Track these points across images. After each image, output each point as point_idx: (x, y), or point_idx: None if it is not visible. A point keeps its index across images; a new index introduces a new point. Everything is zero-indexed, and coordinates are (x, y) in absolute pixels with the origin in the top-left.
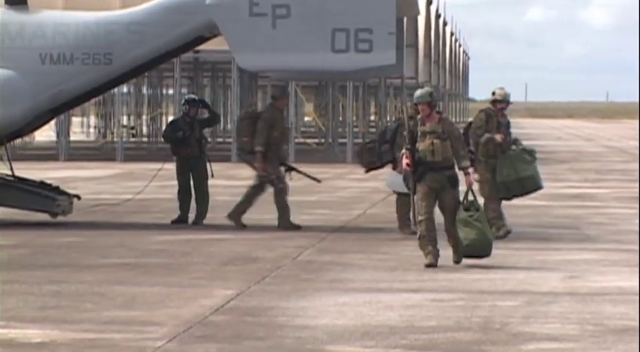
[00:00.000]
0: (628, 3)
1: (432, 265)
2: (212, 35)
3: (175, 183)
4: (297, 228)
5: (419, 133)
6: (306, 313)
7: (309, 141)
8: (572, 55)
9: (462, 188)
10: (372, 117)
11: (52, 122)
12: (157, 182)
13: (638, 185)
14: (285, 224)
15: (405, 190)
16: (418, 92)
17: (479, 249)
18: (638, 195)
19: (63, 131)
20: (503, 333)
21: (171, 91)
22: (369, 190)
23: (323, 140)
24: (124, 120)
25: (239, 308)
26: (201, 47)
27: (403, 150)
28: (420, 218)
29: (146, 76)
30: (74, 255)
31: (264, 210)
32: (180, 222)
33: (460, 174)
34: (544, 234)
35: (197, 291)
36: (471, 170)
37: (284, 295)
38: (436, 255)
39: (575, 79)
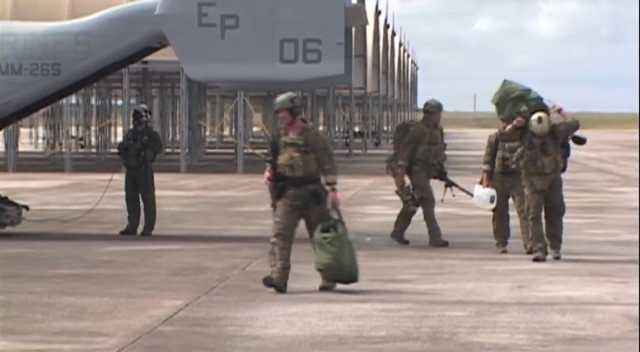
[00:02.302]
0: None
1: (270, 283)
2: (161, 46)
3: (123, 193)
4: (405, 242)
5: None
6: (255, 323)
7: (257, 151)
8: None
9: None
10: (321, 128)
11: (0, 133)
12: (106, 193)
13: (589, 195)
14: (396, 236)
15: (489, 205)
16: (278, 98)
17: (334, 274)
18: (591, 205)
19: (11, 142)
20: (452, 343)
21: (120, 102)
22: None
23: None
24: (73, 131)
25: (188, 319)
26: (149, 58)
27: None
28: (272, 239)
29: (95, 87)
30: (23, 266)
31: (212, 221)
32: (128, 233)
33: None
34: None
35: (146, 302)
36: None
37: (233, 305)
38: (282, 277)
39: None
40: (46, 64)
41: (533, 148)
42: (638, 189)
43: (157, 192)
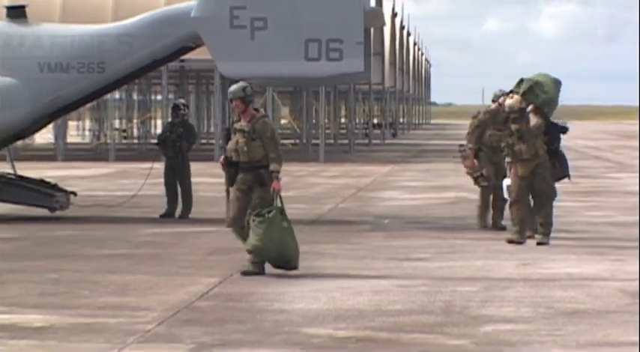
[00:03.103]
0: (574, 15)
1: (248, 273)
2: (196, 45)
3: (162, 180)
4: (503, 228)
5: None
6: (283, 298)
7: (285, 141)
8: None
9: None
10: (343, 120)
11: (51, 125)
12: (147, 180)
13: (588, 180)
14: (481, 222)
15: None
16: (232, 87)
17: (262, 255)
18: (589, 190)
19: (60, 134)
20: (463, 316)
21: (159, 97)
22: (340, 186)
23: (298, 141)
24: (117, 123)
25: (222, 294)
26: (186, 56)
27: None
28: (228, 222)
29: (136, 83)
30: (71, 247)
31: None
32: (167, 217)
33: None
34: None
35: (184, 279)
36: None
37: (263, 282)
38: (259, 266)
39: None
40: (92, 62)
41: (511, 135)
42: (634, 174)
43: (194, 179)
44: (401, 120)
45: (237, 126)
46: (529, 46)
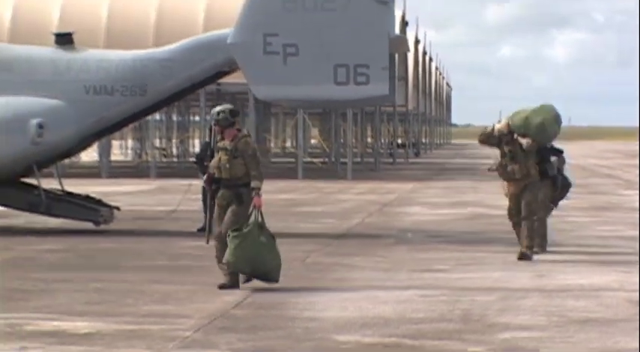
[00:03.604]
0: (584, 42)
1: (224, 286)
2: (231, 70)
3: (200, 196)
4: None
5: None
6: (313, 307)
7: (315, 160)
8: (539, 86)
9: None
10: (369, 140)
11: (95, 144)
12: (185, 196)
13: (601, 197)
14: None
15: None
16: (216, 108)
17: (237, 268)
18: (600, 206)
19: (104, 152)
20: (481, 324)
21: (197, 118)
22: (367, 202)
23: (327, 159)
24: (157, 142)
25: (255, 303)
26: (222, 80)
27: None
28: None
29: (175, 105)
30: (115, 258)
31: (276, 219)
32: (204, 230)
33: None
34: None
35: (220, 289)
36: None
37: (295, 292)
38: (231, 278)
39: None
40: (135, 86)
41: (504, 156)
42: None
43: None
44: (423, 140)
45: (220, 144)
46: (542, 70)
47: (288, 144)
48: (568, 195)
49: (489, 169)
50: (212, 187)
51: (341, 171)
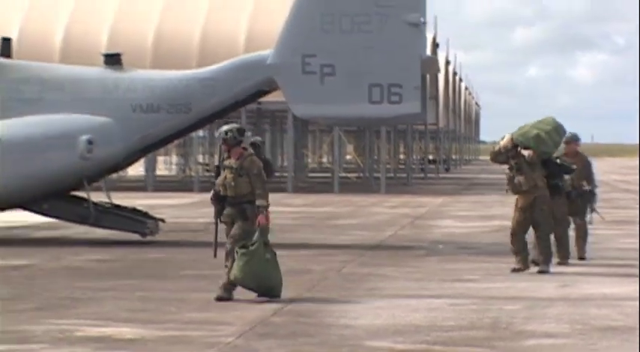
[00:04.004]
0: (607, 63)
1: (221, 298)
2: (271, 89)
3: None
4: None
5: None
6: (348, 315)
7: (350, 175)
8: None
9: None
10: (401, 156)
11: (141, 160)
12: None
13: (621, 212)
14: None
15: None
16: (224, 127)
17: (244, 284)
18: (615, 219)
19: (150, 167)
20: (508, 331)
21: None
22: (399, 215)
23: (361, 174)
24: (200, 158)
25: (294, 311)
26: (262, 99)
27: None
28: (221, 250)
29: (217, 123)
30: (159, 268)
31: (313, 231)
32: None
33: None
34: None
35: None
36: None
37: (330, 300)
38: (226, 290)
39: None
40: (179, 104)
41: (511, 169)
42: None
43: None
44: (453, 156)
45: (226, 163)
46: (566, 90)
47: (325, 159)
48: (594, 207)
49: (507, 191)
50: (218, 205)
51: (375, 186)
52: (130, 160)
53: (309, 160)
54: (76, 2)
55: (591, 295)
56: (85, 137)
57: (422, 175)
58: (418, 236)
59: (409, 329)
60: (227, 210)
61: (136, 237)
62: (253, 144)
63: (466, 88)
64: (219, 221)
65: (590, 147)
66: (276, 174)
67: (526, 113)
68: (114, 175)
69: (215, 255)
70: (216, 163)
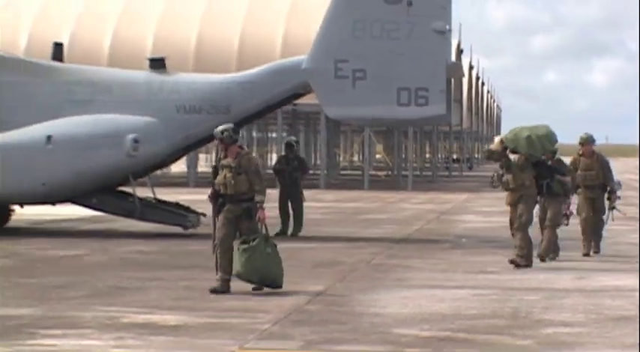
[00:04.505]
0: (622, 68)
1: (215, 291)
2: (306, 92)
3: (277, 204)
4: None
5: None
6: (377, 304)
7: (379, 173)
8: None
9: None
10: (427, 155)
11: (184, 157)
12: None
13: (634, 208)
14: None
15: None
16: (220, 127)
17: (246, 278)
18: (634, 216)
19: (192, 164)
20: (528, 320)
21: (274, 135)
22: (425, 211)
23: (390, 172)
24: None
25: (326, 300)
26: (297, 101)
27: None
28: (216, 246)
29: (255, 123)
30: (200, 259)
31: (344, 225)
32: (281, 234)
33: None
34: (560, 245)
35: (295, 287)
36: (265, 205)
37: (360, 290)
38: (222, 285)
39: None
40: (220, 105)
41: (502, 168)
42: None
43: (304, 204)
44: (476, 156)
45: (224, 162)
46: (583, 94)
47: (356, 158)
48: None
49: (492, 185)
50: (217, 202)
51: (402, 183)
52: (173, 158)
53: (341, 159)
54: (124, 9)
55: (605, 287)
56: (131, 136)
57: (446, 173)
58: (443, 230)
59: (435, 317)
60: (229, 207)
61: (178, 229)
62: (288, 144)
63: (488, 92)
64: (217, 219)
65: (605, 148)
66: (310, 171)
67: (544, 115)
68: (158, 172)
69: (214, 251)
70: (214, 163)
